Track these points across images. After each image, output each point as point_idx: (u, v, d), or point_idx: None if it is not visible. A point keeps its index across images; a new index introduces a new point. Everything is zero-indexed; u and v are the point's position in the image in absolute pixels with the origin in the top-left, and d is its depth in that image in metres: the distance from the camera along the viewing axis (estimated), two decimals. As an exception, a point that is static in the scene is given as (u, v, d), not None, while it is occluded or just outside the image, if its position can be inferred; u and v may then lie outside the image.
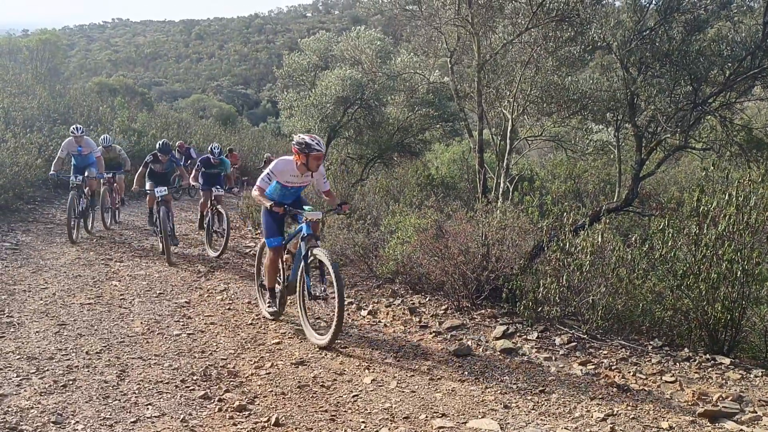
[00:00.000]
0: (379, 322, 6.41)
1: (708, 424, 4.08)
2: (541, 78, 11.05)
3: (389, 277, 7.73)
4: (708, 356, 5.28)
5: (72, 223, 9.68)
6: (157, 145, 9.95)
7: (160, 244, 9.33)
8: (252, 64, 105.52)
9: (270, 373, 4.92)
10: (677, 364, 5.19)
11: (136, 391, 4.41)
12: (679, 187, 12.69)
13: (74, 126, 10.39)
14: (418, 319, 6.44)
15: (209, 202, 10.16)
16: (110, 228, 11.46)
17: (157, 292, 7.30)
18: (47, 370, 4.68)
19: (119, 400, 4.26)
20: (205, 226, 10.25)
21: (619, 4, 10.01)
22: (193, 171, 10.49)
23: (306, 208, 5.94)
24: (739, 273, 5.17)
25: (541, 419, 4.16)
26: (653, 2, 8.46)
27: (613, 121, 11.60)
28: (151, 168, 10.00)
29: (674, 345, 5.69)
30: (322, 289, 5.67)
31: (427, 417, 4.15)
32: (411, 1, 12.75)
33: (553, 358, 5.37)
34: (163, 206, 9.12)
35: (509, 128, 11.92)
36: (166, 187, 9.35)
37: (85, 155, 10.37)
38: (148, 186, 9.90)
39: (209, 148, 10.35)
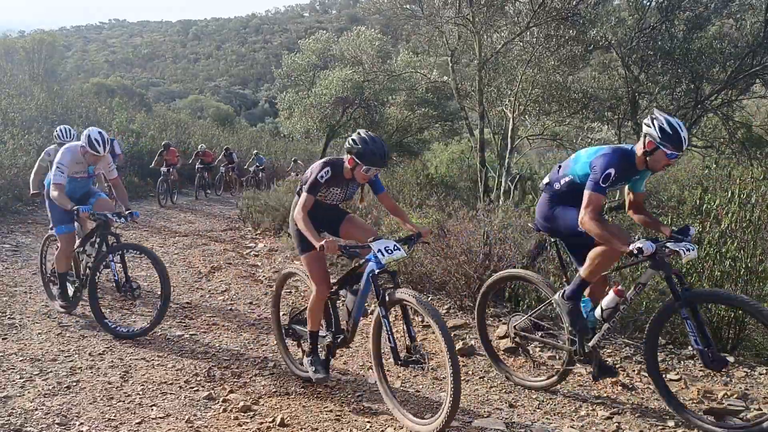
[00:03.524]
0: (382, 321, 6.38)
1: (714, 421, 4.07)
2: (543, 77, 11.04)
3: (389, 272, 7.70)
4: (712, 354, 5.26)
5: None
6: (357, 138, 4.18)
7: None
8: (249, 64, 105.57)
9: (274, 373, 4.91)
10: (681, 362, 5.18)
11: (140, 393, 4.40)
12: (679, 185, 12.69)
13: (93, 132, 5.78)
14: (420, 319, 6.42)
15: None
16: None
17: (158, 292, 7.26)
18: (50, 371, 4.67)
19: (123, 401, 4.24)
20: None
21: (618, 2, 10.03)
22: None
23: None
24: (742, 271, 5.18)
25: (547, 418, 4.16)
26: (654, 0, 8.46)
27: (614, 120, 11.60)
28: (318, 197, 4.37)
29: (678, 343, 5.68)
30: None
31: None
32: None
33: (557, 357, 5.36)
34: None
35: (510, 127, 11.92)
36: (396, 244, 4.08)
37: (87, 178, 6.26)
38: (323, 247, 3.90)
39: None
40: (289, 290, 7.15)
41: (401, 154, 21.68)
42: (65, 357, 5.00)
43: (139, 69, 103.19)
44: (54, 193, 5.74)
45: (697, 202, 5.72)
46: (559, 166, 4.45)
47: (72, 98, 22.18)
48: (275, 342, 5.20)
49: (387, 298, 4.07)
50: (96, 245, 5.84)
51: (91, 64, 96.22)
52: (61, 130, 7.80)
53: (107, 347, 5.30)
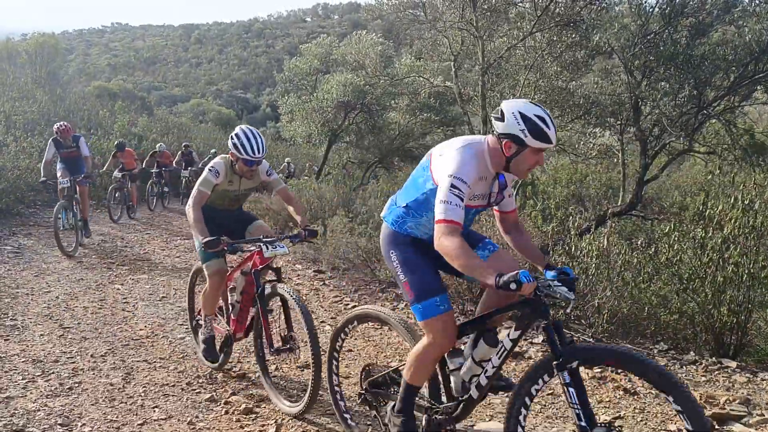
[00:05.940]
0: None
1: (716, 426, 4.06)
2: (545, 82, 11.05)
3: (392, 281, 7.72)
4: (714, 360, 5.26)
5: None
6: None
7: None
8: (251, 68, 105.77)
9: (276, 376, 4.90)
10: (683, 367, 5.17)
11: (142, 394, 4.39)
12: (681, 191, 12.71)
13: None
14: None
15: None
16: None
17: (161, 295, 7.28)
18: (53, 372, 4.67)
19: (125, 402, 4.24)
20: None
21: (620, 8, 10.05)
22: None
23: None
24: (744, 276, 5.17)
25: (549, 422, 4.15)
26: (657, 6, 8.48)
27: (616, 125, 11.60)
28: None
29: (679, 348, 5.67)
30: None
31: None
32: (415, 4, 12.79)
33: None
34: None
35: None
36: None
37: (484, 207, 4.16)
38: None
39: None
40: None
41: (403, 159, 21.70)
42: (67, 358, 5.00)
43: (141, 72, 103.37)
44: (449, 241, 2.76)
45: (700, 207, 5.72)
46: None
47: (74, 101, 22.25)
48: None
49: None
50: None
51: (93, 67, 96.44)
52: (243, 138, 4.35)
53: (109, 349, 5.30)
